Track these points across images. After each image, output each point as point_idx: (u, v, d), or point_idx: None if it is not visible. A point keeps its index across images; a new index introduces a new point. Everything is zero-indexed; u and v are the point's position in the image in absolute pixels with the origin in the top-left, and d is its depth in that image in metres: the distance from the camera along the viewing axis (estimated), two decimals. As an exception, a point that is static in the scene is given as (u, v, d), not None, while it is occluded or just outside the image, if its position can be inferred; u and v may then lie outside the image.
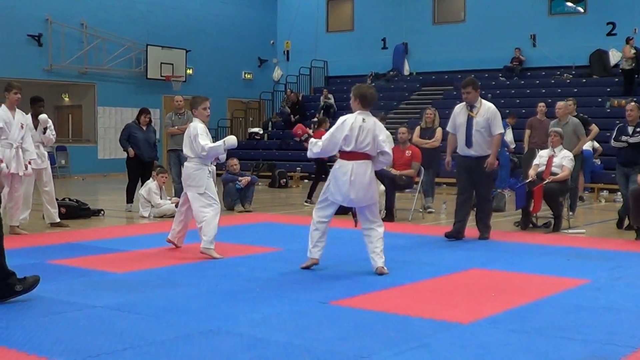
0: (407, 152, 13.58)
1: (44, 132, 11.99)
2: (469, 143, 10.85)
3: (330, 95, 29.72)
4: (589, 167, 18.88)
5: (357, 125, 8.29)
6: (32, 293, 6.87)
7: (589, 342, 5.40)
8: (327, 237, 8.49)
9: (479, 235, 10.93)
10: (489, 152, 10.83)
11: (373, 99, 8.69)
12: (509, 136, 19.18)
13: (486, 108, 10.87)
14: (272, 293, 7.07)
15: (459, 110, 11.07)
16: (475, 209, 11.28)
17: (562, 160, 12.08)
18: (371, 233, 8.29)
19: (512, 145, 19.19)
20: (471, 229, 11.29)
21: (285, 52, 33.99)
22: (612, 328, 5.83)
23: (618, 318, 6.20)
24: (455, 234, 10.90)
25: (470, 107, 10.91)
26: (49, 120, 12.17)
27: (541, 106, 16.26)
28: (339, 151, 8.29)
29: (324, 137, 8.33)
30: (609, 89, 24.56)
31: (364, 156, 8.24)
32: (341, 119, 8.45)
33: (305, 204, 16.23)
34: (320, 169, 16.50)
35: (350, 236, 11.18)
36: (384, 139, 8.37)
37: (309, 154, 8.52)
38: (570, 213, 13.69)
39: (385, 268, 8.09)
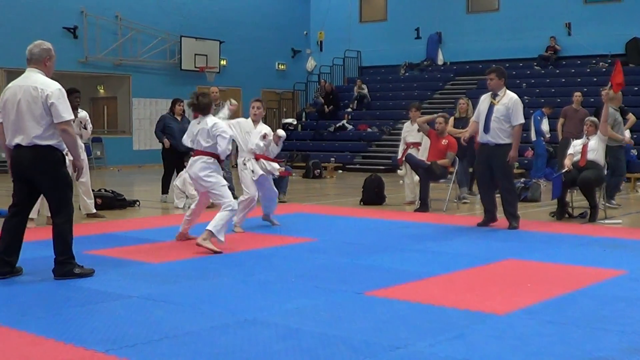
0: (443, 141, 13.51)
1: (85, 127, 12.17)
2: (486, 129, 10.89)
3: (363, 86, 29.69)
4: (626, 157, 18.72)
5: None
6: (67, 283, 6.97)
7: (626, 333, 5.35)
8: None
9: (508, 225, 10.88)
10: (507, 141, 10.82)
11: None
12: (545, 126, 19.09)
13: (509, 97, 10.93)
14: (307, 283, 7.08)
15: (484, 98, 11.17)
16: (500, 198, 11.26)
17: (596, 141, 11.98)
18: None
19: (548, 135, 19.08)
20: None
21: (319, 43, 33.97)
22: (649, 319, 5.79)
23: (655, 309, 6.15)
24: (486, 224, 11.10)
25: (494, 95, 10.97)
26: (86, 115, 12.34)
27: (577, 95, 16.16)
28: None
29: None
30: (645, 77, 24.33)
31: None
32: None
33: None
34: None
35: (385, 226, 11.19)
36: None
37: None
38: (613, 201, 13.67)
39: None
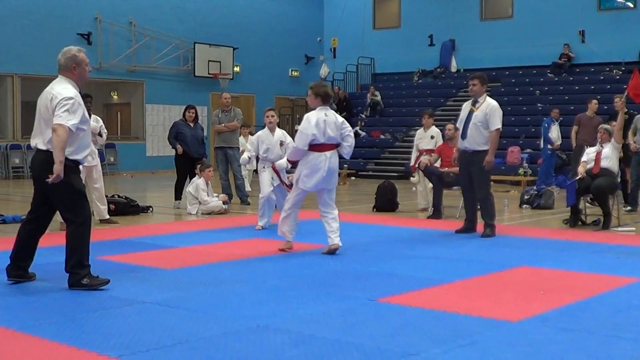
0: (455, 148, 13.49)
1: (100, 135, 12.29)
2: (464, 135, 10.89)
3: (377, 92, 29.72)
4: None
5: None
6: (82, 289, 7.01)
7: (639, 340, 5.34)
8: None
9: (482, 233, 10.86)
10: (485, 148, 10.79)
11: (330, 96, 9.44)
12: (555, 132, 19.02)
13: (487, 103, 10.89)
14: (320, 290, 7.08)
15: (465, 105, 11.20)
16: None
17: (610, 149, 11.96)
18: (328, 215, 9.29)
19: (558, 142, 19.01)
20: (519, 226, 11.23)
21: (332, 49, 34.00)
22: (663, 327, 5.77)
23: (669, 317, 6.13)
24: (465, 231, 11.12)
25: (474, 102, 10.95)
26: (99, 120, 12.44)
27: (594, 103, 16.12)
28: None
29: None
30: (659, 85, 24.22)
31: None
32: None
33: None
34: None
35: (398, 233, 11.19)
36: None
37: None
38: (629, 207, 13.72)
39: (338, 244, 9.18)
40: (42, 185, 7.13)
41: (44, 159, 7.07)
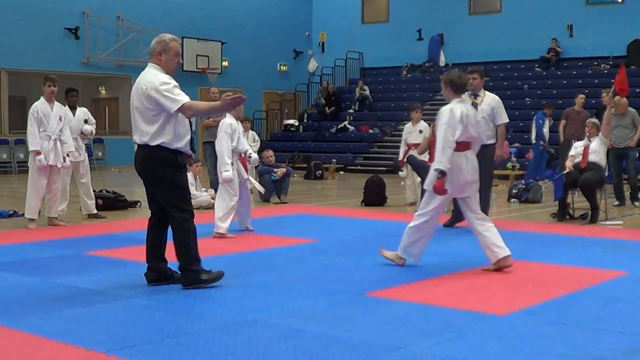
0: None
1: (91, 133, 12.34)
2: None
3: (365, 87, 29.74)
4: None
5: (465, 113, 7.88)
6: (68, 284, 6.98)
7: (626, 334, 5.35)
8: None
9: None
10: (492, 142, 10.70)
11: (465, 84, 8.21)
12: (546, 128, 19.09)
13: (491, 97, 10.84)
14: (308, 284, 7.08)
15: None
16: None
17: (597, 143, 11.99)
18: (486, 223, 7.97)
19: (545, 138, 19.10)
20: (507, 220, 11.24)
21: (321, 44, 33.99)
22: (650, 320, 5.80)
23: (656, 310, 6.15)
24: (453, 224, 11.05)
25: (475, 95, 10.77)
26: (87, 112, 12.45)
27: (581, 98, 16.17)
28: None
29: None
30: (647, 79, 24.34)
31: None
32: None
33: None
34: None
35: (386, 228, 11.20)
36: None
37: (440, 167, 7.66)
38: (637, 203, 13.81)
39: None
40: (147, 181, 6.99)
41: (145, 154, 6.86)
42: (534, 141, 19.27)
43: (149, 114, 6.77)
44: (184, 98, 6.77)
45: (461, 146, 7.76)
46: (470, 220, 8.01)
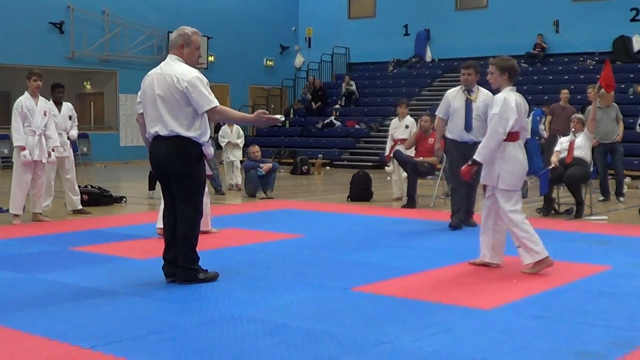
0: (430, 139, 13.53)
1: (69, 118, 12.28)
2: (468, 127, 10.36)
3: (352, 82, 29.76)
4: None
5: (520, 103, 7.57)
6: (53, 279, 6.96)
7: (610, 327, 5.37)
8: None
9: (467, 224, 10.61)
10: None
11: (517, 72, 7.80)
12: (544, 125, 19.11)
13: (485, 93, 10.43)
14: (294, 279, 7.09)
15: (455, 94, 10.60)
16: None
17: (583, 138, 12.04)
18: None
19: (545, 134, 19.12)
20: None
21: (307, 39, 33.97)
22: (633, 314, 5.82)
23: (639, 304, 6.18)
24: (459, 226, 10.52)
25: (469, 91, 10.53)
26: (72, 109, 12.41)
27: (565, 93, 16.23)
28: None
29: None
30: (632, 75, 24.43)
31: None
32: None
33: None
34: None
35: (372, 223, 11.21)
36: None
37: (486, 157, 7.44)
38: (622, 199, 13.85)
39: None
40: (167, 173, 6.88)
41: (169, 146, 6.77)
42: (528, 136, 19.28)
43: (179, 105, 6.72)
44: (216, 100, 6.77)
45: (514, 136, 7.45)
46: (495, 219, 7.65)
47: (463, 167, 7.59)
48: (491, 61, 7.81)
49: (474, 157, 7.47)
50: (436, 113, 10.93)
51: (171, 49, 7.04)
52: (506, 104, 7.36)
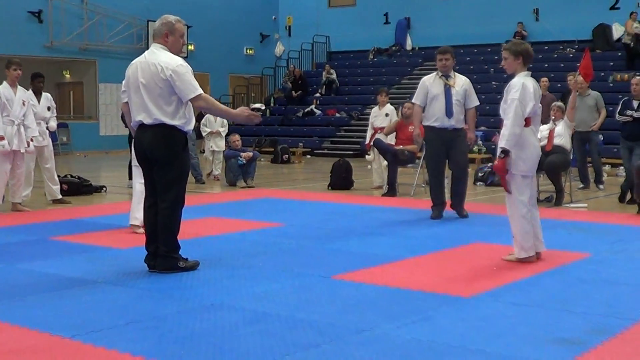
0: (410, 127, 13.53)
1: (48, 109, 12.22)
2: (449, 113, 10.22)
3: (332, 71, 29.75)
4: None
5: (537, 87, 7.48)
6: (33, 269, 6.93)
7: (589, 314, 5.41)
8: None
9: (459, 215, 10.47)
10: (464, 125, 10.44)
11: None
12: None
13: (462, 79, 10.47)
14: (274, 268, 7.08)
15: (432, 81, 10.43)
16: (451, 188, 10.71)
17: (562, 126, 12.09)
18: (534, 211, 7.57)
19: None
20: (473, 203, 11.30)
21: (287, 28, 33.91)
22: (612, 301, 5.85)
23: (618, 291, 6.20)
24: (440, 217, 10.42)
25: (446, 77, 10.40)
26: (51, 99, 12.35)
27: (544, 81, 16.25)
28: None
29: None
30: (612, 64, 24.52)
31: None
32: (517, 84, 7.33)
33: None
34: None
35: (352, 211, 11.22)
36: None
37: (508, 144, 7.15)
38: (601, 186, 13.91)
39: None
40: (151, 161, 6.84)
41: (153, 134, 6.75)
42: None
43: (163, 93, 6.71)
44: (200, 89, 6.79)
45: (528, 121, 7.31)
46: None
47: (496, 163, 7.35)
48: (504, 47, 7.69)
49: (502, 146, 7.21)
50: (413, 100, 10.84)
51: (155, 38, 7.01)
52: (525, 90, 7.24)
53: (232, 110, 7.29)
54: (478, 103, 10.58)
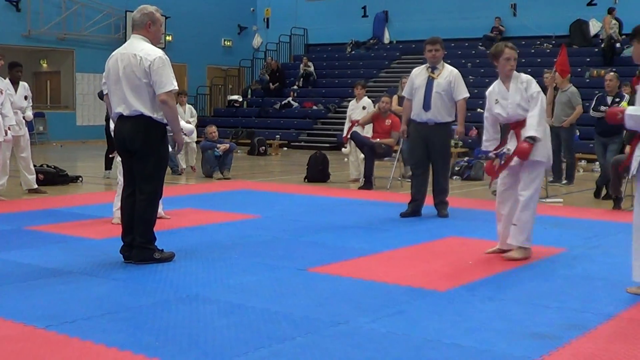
0: (387, 121, 13.57)
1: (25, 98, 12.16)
2: (426, 106, 9.85)
3: (310, 63, 29.70)
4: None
5: None
6: (8, 259, 6.89)
7: (564, 309, 5.43)
8: None
9: (438, 214, 10.13)
10: (448, 120, 10.01)
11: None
12: None
13: (449, 70, 10.05)
14: (250, 260, 7.08)
15: (418, 72, 10.10)
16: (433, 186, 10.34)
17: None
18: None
19: None
20: (449, 197, 11.34)
21: (265, 20, 33.83)
22: (587, 296, 5.88)
23: (593, 286, 6.23)
24: (412, 214, 10.10)
25: (432, 69, 10.04)
26: (27, 88, 12.29)
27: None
28: None
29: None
30: (588, 59, 24.65)
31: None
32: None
33: None
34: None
35: (328, 204, 11.22)
36: None
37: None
38: (565, 182, 13.96)
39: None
40: (130, 152, 6.83)
41: (133, 125, 6.74)
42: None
43: (143, 85, 6.69)
44: (176, 84, 6.77)
45: None
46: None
47: (524, 146, 7.21)
48: (514, 48, 7.81)
49: (532, 134, 7.18)
50: (402, 93, 10.74)
51: (136, 29, 6.99)
52: (536, 84, 7.43)
53: (179, 127, 7.05)
54: (467, 95, 10.11)
